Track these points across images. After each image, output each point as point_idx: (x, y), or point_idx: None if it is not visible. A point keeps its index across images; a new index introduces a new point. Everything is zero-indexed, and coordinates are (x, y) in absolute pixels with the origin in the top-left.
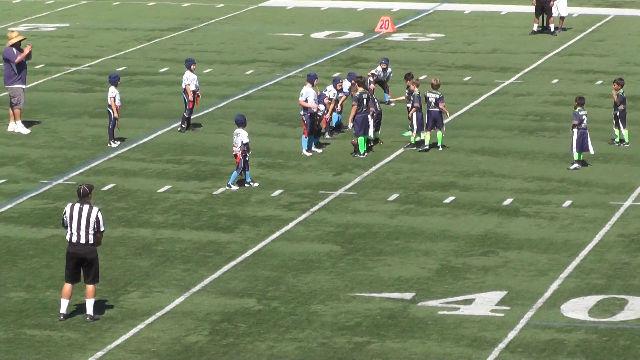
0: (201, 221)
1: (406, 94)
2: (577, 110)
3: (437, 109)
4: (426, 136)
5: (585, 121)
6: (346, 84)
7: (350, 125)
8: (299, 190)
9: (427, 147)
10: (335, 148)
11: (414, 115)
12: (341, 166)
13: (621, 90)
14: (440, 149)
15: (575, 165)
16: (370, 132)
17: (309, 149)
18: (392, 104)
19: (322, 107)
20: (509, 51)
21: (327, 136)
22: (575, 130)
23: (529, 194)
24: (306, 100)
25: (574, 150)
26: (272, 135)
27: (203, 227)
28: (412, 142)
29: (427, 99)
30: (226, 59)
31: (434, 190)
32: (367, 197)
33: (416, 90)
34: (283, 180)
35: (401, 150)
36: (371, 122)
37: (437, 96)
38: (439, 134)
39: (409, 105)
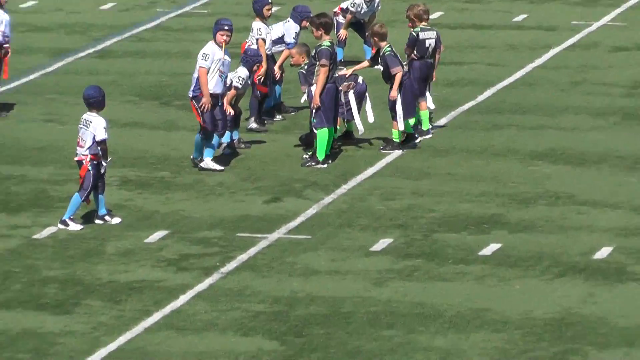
0: None
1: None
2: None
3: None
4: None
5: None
6: (291, 28)
7: (308, 101)
8: None
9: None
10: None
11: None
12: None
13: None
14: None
15: None
16: (359, 120)
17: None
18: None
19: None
20: None
21: (253, 125)
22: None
23: None
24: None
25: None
26: None
27: None
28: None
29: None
30: None
31: None
32: None
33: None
34: None
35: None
36: (353, 102)
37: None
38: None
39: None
